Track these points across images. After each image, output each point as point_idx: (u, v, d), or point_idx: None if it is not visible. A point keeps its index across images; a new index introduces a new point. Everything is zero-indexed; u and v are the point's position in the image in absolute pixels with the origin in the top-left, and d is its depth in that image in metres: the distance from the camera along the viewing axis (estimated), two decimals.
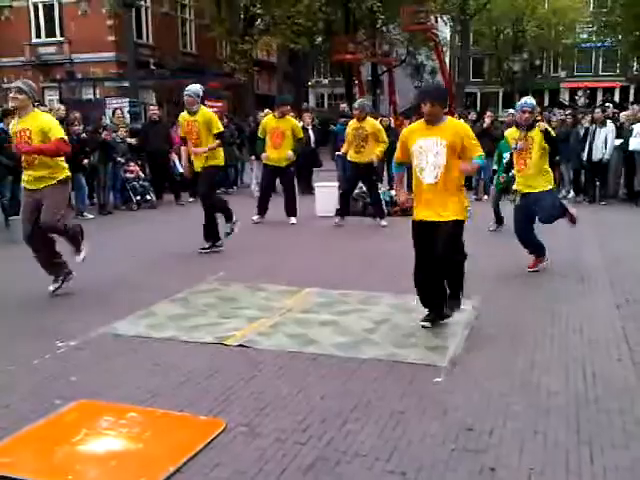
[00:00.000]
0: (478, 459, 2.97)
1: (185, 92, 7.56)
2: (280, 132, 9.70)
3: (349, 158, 9.59)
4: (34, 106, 5.66)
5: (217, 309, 5.41)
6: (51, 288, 5.82)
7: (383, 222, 9.53)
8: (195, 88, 7.58)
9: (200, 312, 5.33)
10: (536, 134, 6.40)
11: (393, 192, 12.60)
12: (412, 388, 3.79)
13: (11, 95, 5.58)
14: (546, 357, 4.29)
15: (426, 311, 4.89)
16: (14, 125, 5.70)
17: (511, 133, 6.72)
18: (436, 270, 4.72)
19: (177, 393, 3.74)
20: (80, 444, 3.17)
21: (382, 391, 3.74)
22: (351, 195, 9.98)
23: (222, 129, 7.82)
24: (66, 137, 5.66)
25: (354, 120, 9.50)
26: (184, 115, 7.71)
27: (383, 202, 10.04)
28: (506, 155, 8.48)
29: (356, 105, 9.75)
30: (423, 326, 4.80)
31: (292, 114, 11.11)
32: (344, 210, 9.74)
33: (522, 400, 3.60)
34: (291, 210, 10.07)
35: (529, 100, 6.62)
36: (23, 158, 5.71)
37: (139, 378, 3.97)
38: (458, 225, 4.69)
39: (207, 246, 7.75)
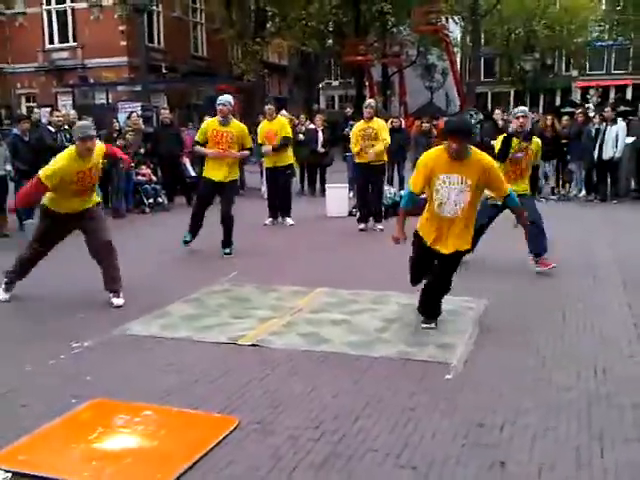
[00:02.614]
0: (489, 454, 3.00)
1: (220, 102, 7.61)
2: (273, 134, 9.81)
3: (358, 160, 9.48)
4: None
5: (229, 309, 5.46)
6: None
7: (379, 226, 9.45)
8: (229, 98, 7.68)
9: (213, 312, 5.38)
10: (534, 146, 6.60)
11: (402, 192, 12.61)
12: (423, 385, 3.81)
13: (88, 146, 5.55)
14: (557, 354, 4.31)
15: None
16: (75, 167, 5.58)
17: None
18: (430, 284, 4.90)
19: (191, 391, 3.79)
20: (96, 442, 3.22)
21: (393, 388, 3.77)
22: (367, 195, 9.72)
23: (252, 145, 8.07)
24: (46, 174, 5.41)
25: (361, 122, 9.41)
26: (214, 124, 7.72)
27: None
28: None
29: (369, 104, 9.62)
30: (428, 327, 4.81)
31: (283, 114, 11.33)
32: (366, 215, 9.60)
33: (533, 396, 3.62)
34: (286, 211, 10.13)
35: (521, 107, 6.87)
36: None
37: (153, 377, 4.02)
38: (462, 255, 4.77)
39: (229, 251, 7.80)
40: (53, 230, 5.76)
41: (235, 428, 3.30)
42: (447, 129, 4.50)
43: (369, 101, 10.30)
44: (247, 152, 7.92)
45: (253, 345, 4.55)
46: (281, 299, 5.76)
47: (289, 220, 10.08)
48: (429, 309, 4.88)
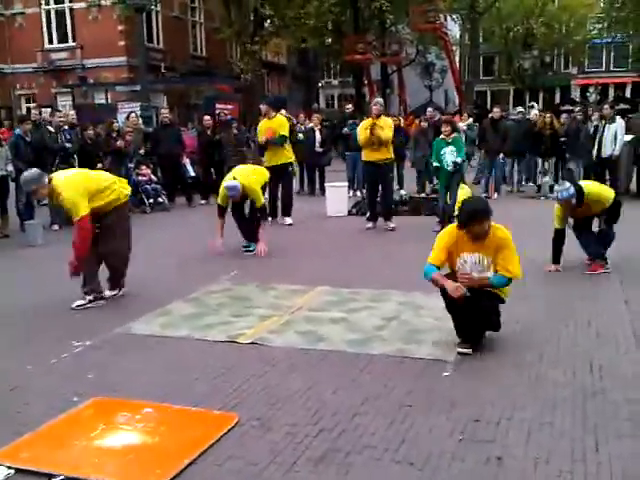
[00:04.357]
0: (485, 449, 3.04)
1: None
2: (272, 132, 9.87)
3: (364, 158, 9.45)
4: (49, 182, 5.53)
5: (229, 308, 5.50)
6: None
7: (391, 224, 9.44)
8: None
9: (213, 311, 5.43)
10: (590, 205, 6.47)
11: (403, 192, 12.70)
12: (420, 382, 3.86)
13: (34, 199, 5.74)
14: (553, 351, 4.35)
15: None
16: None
17: (559, 212, 6.54)
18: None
19: (191, 389, 3.83)
20: (97, 439, 3.26)
21: (391, 385, 3.81)
22: (377, 195, 9.71)
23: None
24: (85, 212, 5.41)
25: (369, 119, 9.37)
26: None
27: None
28: (444, 150, 8.90)
29: (378, 102, 9.62)
30: (464, 353, 4.28)
31: (283, 112, 11.40)
32: (373, 214, 9.62)
33: (529, 392, 3.66)
34: (287, 210, 10.18)
35: (561, 194, 6.31)
36: None
37: (154, 375, 4.06)
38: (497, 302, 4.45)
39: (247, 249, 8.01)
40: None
41: (235, 425, 3.35)
42: (465, 219, 4.23)
43: (377, 99, 10.27)
44: None
45: (253, 343, 4.60)
46: (280, 298, 5.80)
47: (288, 219, 10.11)
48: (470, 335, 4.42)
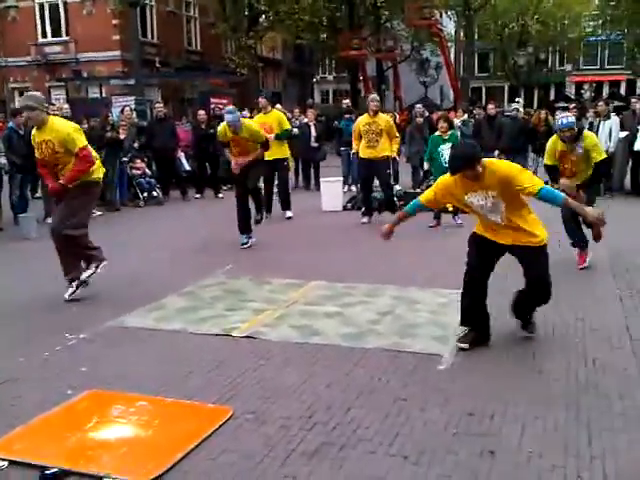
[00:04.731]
0: (479, 443, 3.05)
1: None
2: (268, 127, 9.76)
3: (361, 155, 9.38)
4: (48, 114, 5.54)
5: (224, 302, 5.49)
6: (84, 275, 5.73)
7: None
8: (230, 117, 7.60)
9: (207, 305, 5.42)
10: (587, 145, 6.36)
11: (398, 187, 12.67)
12: (415, 376, 3.86)
13: (25, 115, 5.57)
14: (548, 346, 4.36)
15: (464, 330, 4.45)
16: (34, 136, 5.58)
17: (554, 145, 6.55)
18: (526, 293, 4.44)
19: (185, 382, 3.83)
20: (91, 431, 3.26)
21: (386, 379, 3.82)
22: (371, 191, 9.74)
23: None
24: (84, 143, 5.51)
25: (366, 115, 9.33)
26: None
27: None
28: (442, 148, 8.76)
29: (375, 98, 9.56)
30: (462, 348, 4.28)
31: (278, 107, 11.39)
32: (368, 208, 9.62)
33: (523, 387, 3.67)
34: (286, 204, 10.16)
35: (566, 120, 6.34)
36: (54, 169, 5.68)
37: (148, 368, 4.05)
38: (540, 250, 4.36)
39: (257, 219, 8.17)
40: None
41: (229, 418, 3.34)
42: (455, 166, 4.17)
43: (372, 95, 10.23)
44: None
45: (247, 337, 4.59)
46: (275, 292, 5.80)
47: (288, 213, 10.09)
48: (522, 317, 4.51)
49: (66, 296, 5.60)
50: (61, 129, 5.48)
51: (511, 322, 4.82)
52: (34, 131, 5.59)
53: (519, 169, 4.25)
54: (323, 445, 3.07)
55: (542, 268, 4.35)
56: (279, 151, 9.96)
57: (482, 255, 4.38)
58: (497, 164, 4.28)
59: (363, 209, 9.70)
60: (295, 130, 13.43)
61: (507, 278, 5.15)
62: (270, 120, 9.92)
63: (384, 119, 9.35)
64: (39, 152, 5.59)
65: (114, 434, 3.23)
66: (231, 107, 7.85)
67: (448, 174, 4.34)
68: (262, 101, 10.29)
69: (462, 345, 4.28)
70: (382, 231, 4.70)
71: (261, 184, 8.86)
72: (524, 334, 4.48)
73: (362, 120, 9.36)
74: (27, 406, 3.53)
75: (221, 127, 7.80)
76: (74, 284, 5.67)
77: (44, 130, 5.48)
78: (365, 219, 9.53)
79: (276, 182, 10.31)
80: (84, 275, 5.74)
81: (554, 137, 6.57)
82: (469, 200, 4.26)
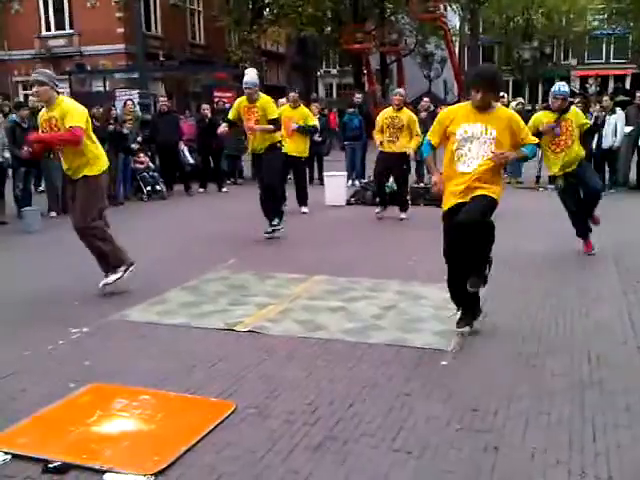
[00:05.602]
0: (482, 438, 3.04)
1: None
2: (292, 122, 9.72)
3: (380, 148, 9.28)
4: (57, 93, 5.46)
5: (227, 296, 5.49)
6: (106, 281, 5.61)
7: (403, 215, 9.37)
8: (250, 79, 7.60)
9: (210, 299, 5.41)
10: (572, 115, 6.60)
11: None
12: (418, 371, 3.85)
13: (34, 90, 5.47)
14: (551, 341, 4.35)
15: (459, 313, 4.49)
16: (42, 114, 5.52)
17: (541, 116, 6.68)
18: (466, 246, 4.20)
19: (188, 377, 3.82)
20: (94, 425, 3.25)
21: (389, 374, 3.81)
22: (386, 184, 9.66)
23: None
24: (79, 124, 5.35)
25: (390, 109, 9.23)
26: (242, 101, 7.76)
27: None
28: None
29: (399, 92, 9.53)
30: (462, 333, 4.37)
31: (282, 102, 11.36)
32: (383, 201, 9.57)
33: (527, 382, 3.66)
34: (303, 200, 10.12)
35: (563, 88, 6.61)
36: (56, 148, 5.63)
37: (151, 362, 4.05)
38: (491, 200, 4.20)
39: (273, 227, 7.87)
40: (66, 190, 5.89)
41: (232, 412, 3.34)
42: (470, 78, 4.19)
43: (399, 90, 10.13)
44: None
45: (250, 331, 4.59)
46: (278, 286, 5.79)
47: (304, 208, 10.06)
48: (479, 265, 4.32)
49: (107, 281, 5.54)
50: (66, 106, 5.40)
51: (513, 319, 4.81)
52: (42, 111, 5.52)
53: (522, 121, 4.36)
54: (326, 439, 3.06)
55: (483, 204, 4.18)
56: (301, 148, 9.86)
57: (455, 239, 4.28)
58: (511, 111, 4.42)
59: (378, 200, 9.67)
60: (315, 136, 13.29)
61: (525, 275, 5.13)
62: (297, 116, 9.82)
63: (407, 115, 9.18)
64: (42, 131, 5.52)
65: (117, 428, 3.22)
66: (254, 71, 7.80)
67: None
68: (293, 95, 10.14)
69: (461, 330, 4.32)
70: (438, 185, 4.40)
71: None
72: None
73: (385, 113, 9.25)
74: (30, 399, 3.53)
75: (237, 100, 7.80)
76: (119, 271, 5.60)
77: (52, 108, 5.41)
78: (379, 209, 9.51)
79: (290, 176, 10.31)
80: (110, 279, 5.59)
81: (541, 113, 6.77)
82: (466, 128, 4.16)
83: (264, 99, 7.65)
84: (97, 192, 5.61)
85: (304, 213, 10.01)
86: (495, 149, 4.13)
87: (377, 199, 9.78)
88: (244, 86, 7.60)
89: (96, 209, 5.57)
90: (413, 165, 13.47)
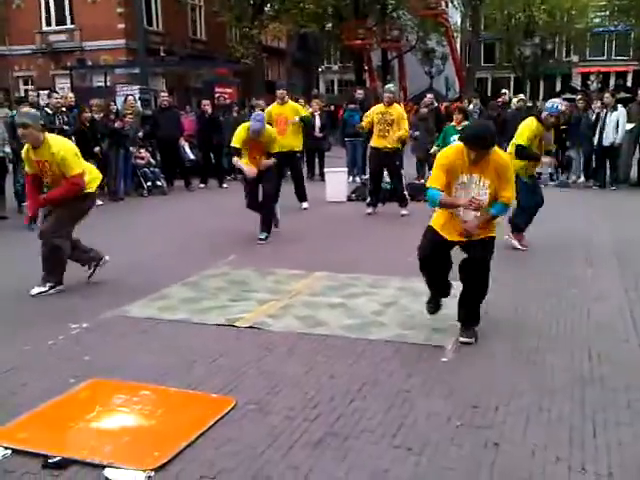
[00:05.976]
0: (483, 435, 3.04)
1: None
2: (283, 118, 9.70)
3: (372, 144, 9.37)
4: (43, 131, 5.43)
5: (228, 292, 5.48)
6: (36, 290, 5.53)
7: (404, 211, 9.36)
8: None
9: (211, 295, 5.41)
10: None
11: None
12: (419, 368, 3.85)
13: (19, 134, 5.45)
14: (552, 338, 4.34)
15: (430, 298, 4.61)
16: (28, 152, 5.46)
17: (537, 127, 6.70)
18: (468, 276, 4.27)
19: (188, 372, 3.82)
20: (94, 420, 3.25)
21: (389, 371, 3.81)
22: (380, 181, 9.67)
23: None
24: (78, 170, 5.43)
25: (381, 105, 9.31)
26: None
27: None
28: (454, 138, 8.60)
29: (389, 89, 9.58)
30: (431, 312, 4.60)
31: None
32: (375, 199, 9.58)
33: (527, 379, 3.66)
34: (301, 196, 10.11)
35: (560, 106, 6.86)
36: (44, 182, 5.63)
37: (151, 358, 4.05)
38: (491, 241, 4.32)
39: (260, 239, 7.63)
40: None
41: (232, 408, 3.34)
42: (465, 138, 4.15)
43: (388, 86, 10.19)
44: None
45: (251, 327, 4.59)
46: (279, 282, 5.78)
47: (304, 204, 10.04)
48: (470, 317, 4.36)
49: (32, 292, 5.48)
50: (57, 152, 5.34)
51: (514, 316, 4.81)
52: (27, 146, 5.46)
53: (512, 172, 4.32)
54: (326, 436, 3.06)
55: (486, 250, 4.26)
56: (295, 142, 9.82)
57: (435, 253, 4.33)
58: (500, 154, 4.29)
59: (368, 199, 9.67)
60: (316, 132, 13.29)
61: (508, 272, 5.13)
62: (286, 111, 9.80)
63: (397, 110, 9.25)
64: (31, 168, 5.53)
65: (117, 423, 3.23)
66: (261, 115, 7.61)
67: (449, 148, 4.38)
68: (281, 92, 10.08)
69: (466, 340, 4.24)
70: (468, 206, 4.19)
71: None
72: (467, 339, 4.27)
73: (376, 109, 9.34)
74: (30, 394, 3.53)
75: (241, 129, 7.55)
76: (47, 285, 5.55)
77: (40, 150, 5.38)
78: (370, 210, 9.50)
79: (288, 173, 10.29)
80: (33, 290, 5.50)
81: (533, 122, 6.70)
82: (464, 179, 4.19)
83: (268, 130, 7.58)
84: (75, 214, 5.62)
85: (305, 209, 9.99)
86: (488, 199, 4.18)
87: (368, 198, 9.73)
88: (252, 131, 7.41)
89: (65, 230, 5.59)
90: (413, 162, 13.49)
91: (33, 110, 5.65)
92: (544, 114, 6.74)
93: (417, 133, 13.16)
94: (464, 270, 4.27)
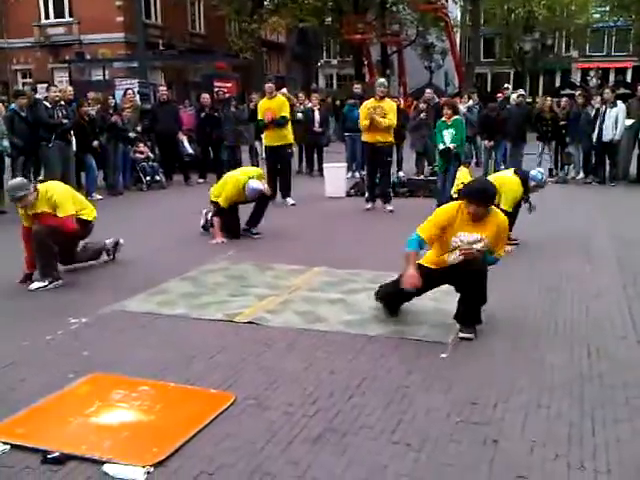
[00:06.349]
0: (481, 431, 3.04)
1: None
2: (272, 112, 9.73)
3: (364, 139, 9.40)
4: (35, 190, 5.60)
5: (227, 287, 5.48)
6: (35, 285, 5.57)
7: (389, 207, 9.38)
8: None
9: (210, 290, 5.41)
10: None
11: (401, 173, 12.64)
12: (418, 364, 3.85)
13: (21, 206, 5.68)
14: (551, 335, 4.35)
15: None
16: (27, 210, 5.67)
17: (518, 195, 6.69)
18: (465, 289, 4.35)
19: (187, 368, 3.82)
20: (93, 416, 3.25)
21: (388, 367, 3.81)
22: (376, 176, 9.61)
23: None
24: (72, 211, 5.68)
25: (372, 99, 9.27)
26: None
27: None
28: (444, 133, 8.91)
29: (382, 84, 9.53)
30: (462, 338, 4.29)
31: (284, 91, 11.28)
32: (372, 194, 9.58)
33: (526, 376, 3.66)
34: (286, 191, 10.09)
35: (544, 178, 7.00)
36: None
37: (150, 353, 4.05)
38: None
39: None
40: None
41: (231, 404, 3.34)
42: (467, 194, 4.20)
43: (380, 80, 10.18)
44: None
45: (250, 323, 4.58)
46: (278, 277, 5.78)
47: (290, 200, 10.02)
48: (469, 318, 4.35)
49: (31, 287, 5.50)
50: (52, 197, 5.59)
51: (513, 312, 4.81)
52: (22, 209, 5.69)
53: (507, 232, 4.51)
54: (326, 431, 3.06)
55: (482, 263, 4.31)
56: (283, 138, 9.88)
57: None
58: (499, 213, 4.45)
59: (367, 195, 9.66)
60: (299, 115, 13.33)
61: (506, 268, 5.13)
62: (274, 105, 9.85)
63: (389, 105, 9.24)
64: (28, 222, 5.71)
65: (116, 418, 3.22)
66: (259, 186, 7.46)
67: (450, 204, 4.44)
68: (269, 86, 10.13)
69: (467, 335, 4.25)
70: (409, 282, 4.24)
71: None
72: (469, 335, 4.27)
73: (368, 103, 9.30)
74: (29, 390, 3.52)
75: (230, 192, 7.46)
76: (47, 280, 5.56)
77: (36, 203, 5.60)
78: (369, 205, 9.51)
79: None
80: (33, 285, 5.54)
81: (520, 188, 6.65)
82: (463, 238, 4.28)
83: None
84: (61, 237, 5.65)
85: (293, 205, 9.90)
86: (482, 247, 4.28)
87: (366, 194, 9.74)
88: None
89: (56, 240, 5.63)
90: (412, 158, 13.49)
91: (17, 179, 6.02)
92: (532, 183, 6.72)
93: (422, 116, 13.06)
94: (461, 284, 4.35)
